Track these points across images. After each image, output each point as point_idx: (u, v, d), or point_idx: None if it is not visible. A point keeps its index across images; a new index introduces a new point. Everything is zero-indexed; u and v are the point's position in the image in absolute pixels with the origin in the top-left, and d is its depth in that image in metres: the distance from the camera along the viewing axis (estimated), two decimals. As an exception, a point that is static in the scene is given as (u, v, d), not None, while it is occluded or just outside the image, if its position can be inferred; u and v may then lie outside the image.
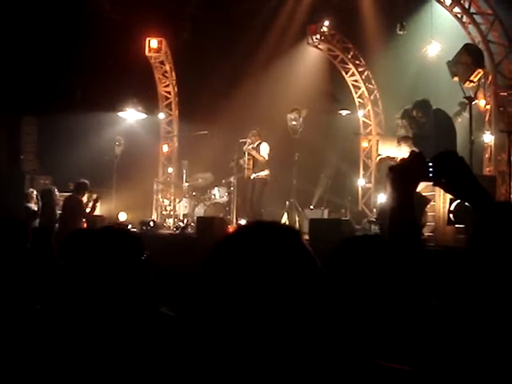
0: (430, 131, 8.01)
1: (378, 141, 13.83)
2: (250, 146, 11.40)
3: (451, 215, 6.51)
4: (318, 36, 14.09)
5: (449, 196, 6.97)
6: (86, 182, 10.88)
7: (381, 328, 1.97)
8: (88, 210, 10.72)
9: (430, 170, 2.00)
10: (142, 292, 2.34)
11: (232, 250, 1.23)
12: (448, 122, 8.29)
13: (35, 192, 11.65)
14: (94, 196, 10.97)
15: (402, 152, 8.61)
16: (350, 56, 14.39)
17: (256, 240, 1.23)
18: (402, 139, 8.57)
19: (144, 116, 14.61)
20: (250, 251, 1.22)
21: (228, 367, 1.18)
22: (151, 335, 2.22)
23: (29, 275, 3.61)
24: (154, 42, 14.60)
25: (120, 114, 14.33)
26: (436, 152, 2.01)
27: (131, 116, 14.52)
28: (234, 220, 11.29)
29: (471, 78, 9.04)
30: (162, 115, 15.35)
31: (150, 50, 14.67)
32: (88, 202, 10.77)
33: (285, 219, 11.26)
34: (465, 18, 11.16)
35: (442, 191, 7.18)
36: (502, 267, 1.56)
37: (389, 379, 1.47)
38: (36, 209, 11.33)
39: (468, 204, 1.93)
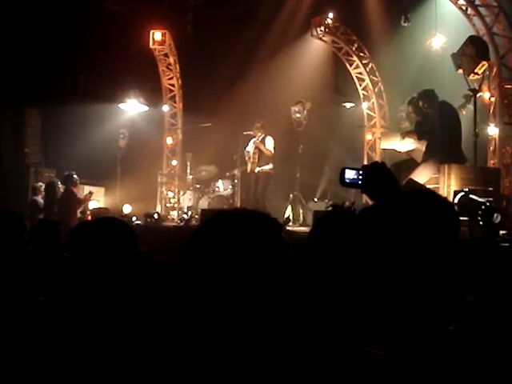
0: (435, 123, 7.99)
1: (381, 133, 13.81)
2: (257, 140, 11.42)
3: (455, 207, 6.52)
4: (323, 28, 14.04)
5: (453, 188, 6.97)
6: (69, 173, 11.42)
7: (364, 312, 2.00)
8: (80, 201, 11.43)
9: (361, 177, 2.14)
10: (138, 282, 2.35)
11: (206, 237, 1.30)
12: (453, 114, 8.26)
13: (43, 186, 11.80)
14: (90, 191, 11.76)
15: (405, 145, 8.60)
16: (354, 48, 14.35)
17: (228, 227, 1.30)
18: (406, 134, 8.57)
19: (146, 108, 14.57)
20: (224, 237, 1.29)
21: (212, 350, 1.23)
22: (152, 326, 2.23)
23: (28, 266, 3.63)
24: (157, 35, 14.57)
25: (121, 105, 14.29)
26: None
27: (133, 108, 14.47)
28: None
29: (476, 71, 9.02)
30: (166, 108, 15.35)
31: (153, 43, 14.65)
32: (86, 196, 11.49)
33: (289, 212, 11.28)
34: (469, 10, 11.12)
35: (446, 184, 7.21)
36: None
37: (372, 365, 1.49)
38: (43, 202, 11.51)
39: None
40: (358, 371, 1.41)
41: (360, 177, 2.14)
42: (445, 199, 1.84)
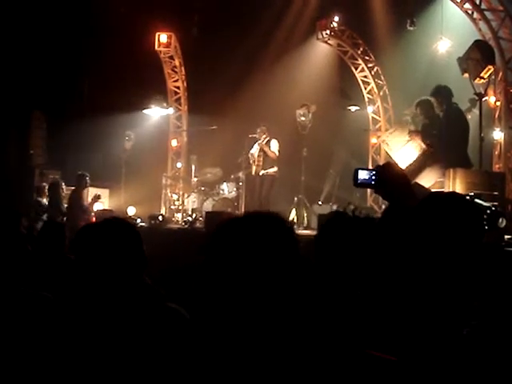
0: (442, 126, 7.96)
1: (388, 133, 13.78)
2: (262, 142, 11.41)
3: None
4: (328, 31, 14.05)
5: (458, 191, 6.95)
6: (83, 173, 11.12)
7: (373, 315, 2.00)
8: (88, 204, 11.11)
9: (373, 178, 2.15)
10: (144, 282, 2.35)
11: (226, 239, 1.31)
12: (461, 117, 8.23)
13: (47, 186, 11.77)
14: (97, 194, 11.31)
15: (411, 146, 8.54)
16: (359, 52, 14.34)
17: (246, 229, 1.32)
18: (413, 132, 8.51)
19: (171, 111, 14.77)
20: (242, 239, 1.38)
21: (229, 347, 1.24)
22: (158, 328, 2.23)
23: (33, 267, 3.63)
24: (163, 37, 14.60)
25: (145, 111, 14.49)
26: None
27: (156, 113, 14.71)
28: (243, 215, 11.28)
29: (481, 75, 9.00)
30: (171, 110, 15.38)
31: (159, 45, 14.67)
32: (93, 199, 11.14)
33: (293, 215, 11.26)
34: (475, 15, 11.11)
35: (451, 188, 7.18)
36: None
37: (379, 369, 1.49)
38: (46, 203, 11.47)
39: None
40: (368, 375, 1.41)
41: (373, 177, 2.15)
42: (474, 205, 1.85)
